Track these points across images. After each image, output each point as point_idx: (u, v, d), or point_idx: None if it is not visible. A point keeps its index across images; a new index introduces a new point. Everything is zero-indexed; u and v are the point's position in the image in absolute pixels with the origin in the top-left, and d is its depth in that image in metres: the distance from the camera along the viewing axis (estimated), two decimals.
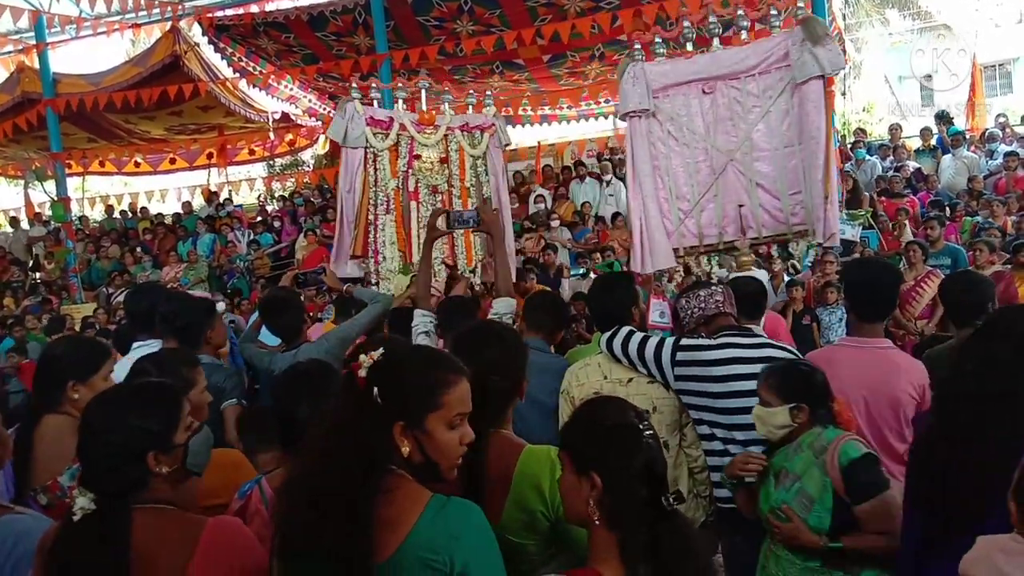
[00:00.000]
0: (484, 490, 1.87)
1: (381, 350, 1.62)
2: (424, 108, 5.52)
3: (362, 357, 1.59)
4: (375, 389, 1.55)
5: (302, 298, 5.81)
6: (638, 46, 4.93)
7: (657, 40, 5.06)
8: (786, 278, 8.28)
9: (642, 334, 2.73)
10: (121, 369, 3.19)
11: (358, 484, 1.48)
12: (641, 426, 1.58)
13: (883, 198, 10.20)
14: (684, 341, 2.66)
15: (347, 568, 1.45)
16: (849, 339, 2.89)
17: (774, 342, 2.71)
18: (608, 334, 2.79)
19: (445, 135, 5.41)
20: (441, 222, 3.25)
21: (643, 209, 4.83)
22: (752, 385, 2.54)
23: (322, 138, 16.94)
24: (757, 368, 2.56)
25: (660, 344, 2.67)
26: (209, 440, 1.86)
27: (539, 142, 16.01)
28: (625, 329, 2.75)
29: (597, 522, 1.54)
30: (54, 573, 1.57)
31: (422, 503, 1.51)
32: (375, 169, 5.28)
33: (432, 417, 1.56)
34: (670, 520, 1.52)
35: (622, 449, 1.56)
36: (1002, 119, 12.22)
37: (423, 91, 5.58)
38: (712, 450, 2.65)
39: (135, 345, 3.45)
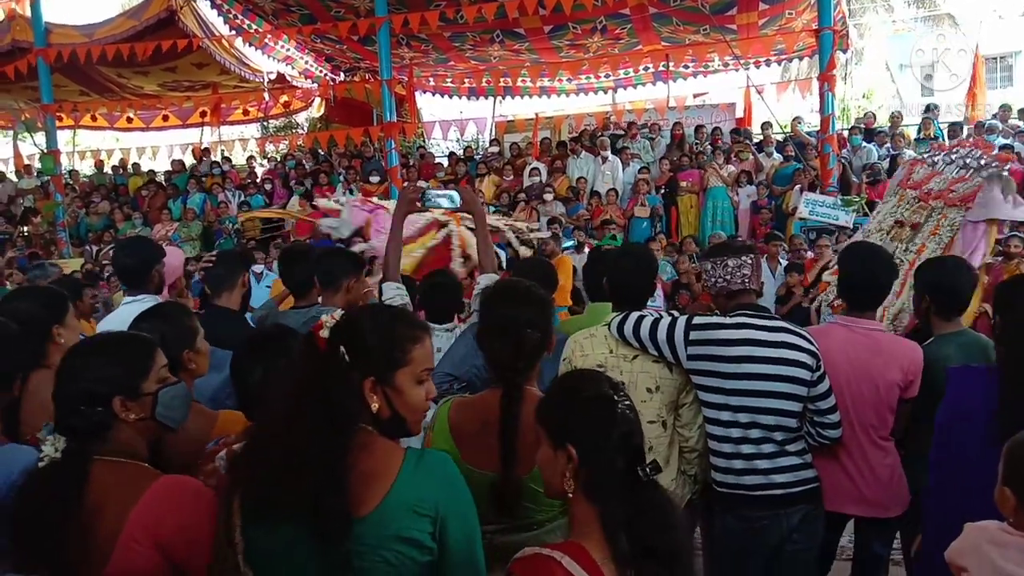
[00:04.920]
0: (517, 443, 1.90)
1: (341, 312, 1.63)
2: None
3: (324, 318, 1.59)
4: (341, 348, 1.54)
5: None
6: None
7: None
8: (783, 262, 8.37)
9: (652, 316, 2.67)
10: (110, 325, 3.17)
11: (331, 441, 1.48)
12: (616, 397, 1.57)
13: (867, 184, 10.18)
14: (697, 320, 2.61)
15: (325, 524, 1.43)
16: (843, 318, 2.93)
17: (790, 326, 2.63)
18: (619, 319, 2.71)
19: None
20: (416, 196, 3.14)
21: None
22: (766, 369, 2.53)
23: (317, 101, 16.74)
24: (773, 352, 2.54)
25: (672, 324, 2.62)
26: (187, 396, 1.86)
27: (536, 114, 15.86)
28: (635, 314, 2.69)
29: (571, 495, 1.53)
30: (20, 516, 1.60)
31: (399, 456, 1.55)
32: None
33: (401, 373, 1.57)
34: (648, 492, 1.51)
35: (598, 420, 1.55)
36: (1006, 111, 12.05)
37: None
38: (713, 435, 2.63)
39: (124, 300, 3.42)
